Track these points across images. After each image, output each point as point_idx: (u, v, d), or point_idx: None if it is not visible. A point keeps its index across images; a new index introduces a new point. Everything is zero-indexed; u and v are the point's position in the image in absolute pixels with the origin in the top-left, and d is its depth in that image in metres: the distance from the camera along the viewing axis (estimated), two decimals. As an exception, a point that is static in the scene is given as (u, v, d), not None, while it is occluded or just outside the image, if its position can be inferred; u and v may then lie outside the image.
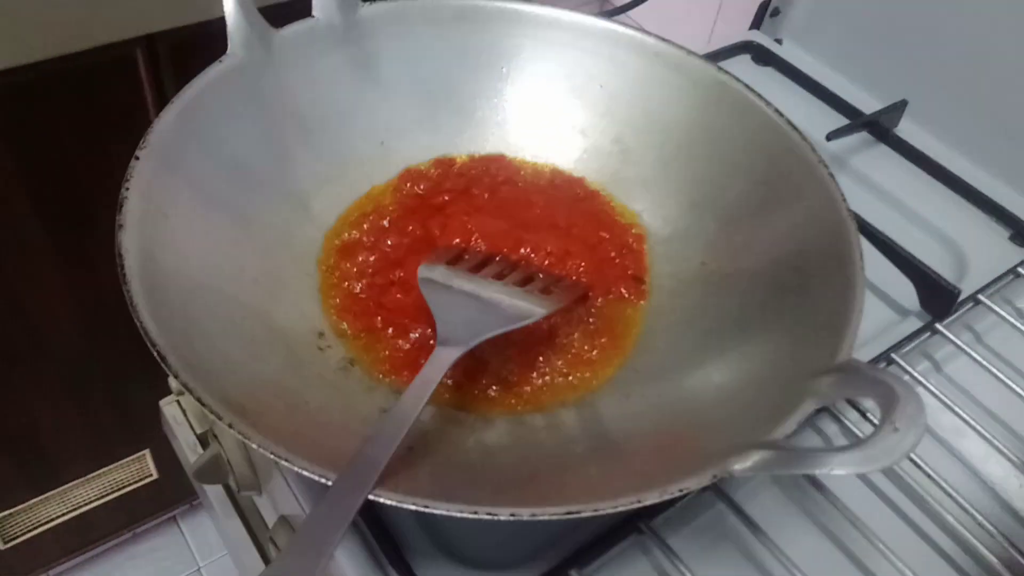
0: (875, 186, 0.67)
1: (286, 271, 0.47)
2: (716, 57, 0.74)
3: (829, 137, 0.66)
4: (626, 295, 0.50)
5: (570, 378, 0.45)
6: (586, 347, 0.47)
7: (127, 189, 0.41)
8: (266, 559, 0.58)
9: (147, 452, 1.12)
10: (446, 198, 0.53)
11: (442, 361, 0.38)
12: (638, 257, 0.52)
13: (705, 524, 0.46)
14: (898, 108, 0.70)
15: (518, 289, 0.45)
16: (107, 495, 1.14)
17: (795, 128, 0.50)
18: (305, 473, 0.32)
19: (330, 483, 0.32)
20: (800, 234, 0.46)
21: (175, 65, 0.85)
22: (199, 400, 0.34)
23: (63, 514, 1.12)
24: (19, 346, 0.89)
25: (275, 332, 0.43)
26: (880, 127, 0.69)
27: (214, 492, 0.62)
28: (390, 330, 0.46)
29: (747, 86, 0.53)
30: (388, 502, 0.32)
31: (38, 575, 1.23)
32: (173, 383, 0.63)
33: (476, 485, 0.36)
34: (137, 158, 0.42)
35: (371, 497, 0.32)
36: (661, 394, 0.43)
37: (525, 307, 0.43)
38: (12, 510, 1.06)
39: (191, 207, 0.44)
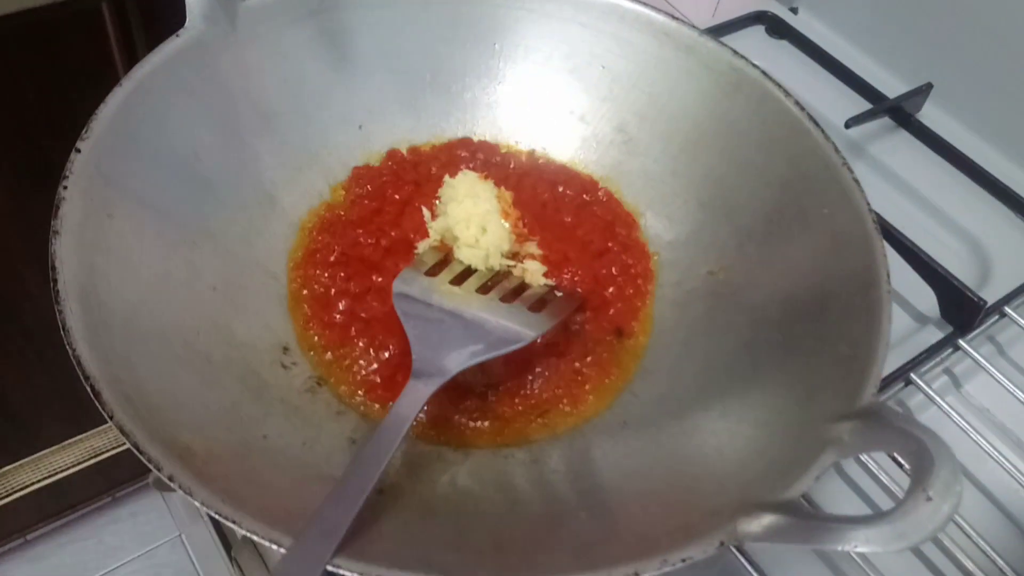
0: (895, 177, 0.62)
1: (250, 276, 0.42)
2: (727, 28, 0.69)
3: (848, 124, 0.60)
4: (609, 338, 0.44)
5: (563, 404, 0.41)
6: (581, 367, 0.42)
7: (64, 188, 0.36)
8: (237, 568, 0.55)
9: (124, 420, 1.09)
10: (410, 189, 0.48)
11: (417, 397, 0.34)
12: (638, 294, 0.46)
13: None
14: (922, 92, 0.64)
15: (505, 306, 0.41)
16: (84, 461, 1.12)
17: (818, 125, 0.45)
18: (255, 538, 0.28)
19: (283, 550, 0.28)
20: (819, 248, 0.42)
21: (144, 18, 0.79)
22: (135, 447, 0.29)
23: (39, 480, 1.09)
24: (-16, 314, 0.86)
25: (234, 349, 0.39)
26: (903, 112, 0.64)
27: (179, 497, 0.59)
28: (362, 343, 0.41)
29: (765, 73, 0.47)
30: (350, 574, 0.28)
31: (15, 540, 1.21)
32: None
33: (453, 544, 0.32)
34: (78, 151, 0.37)
35: (331, 569, 0.28)
36: (660, 432, 0.38)
37: (513, 329, 0.39)
38: (-18, 478, 1.04)
39: (141, 205, 0.39)
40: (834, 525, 0.29)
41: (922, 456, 0.29)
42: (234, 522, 0.28)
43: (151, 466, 0.29)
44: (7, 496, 1.09)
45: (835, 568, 0.43)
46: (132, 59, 0.82)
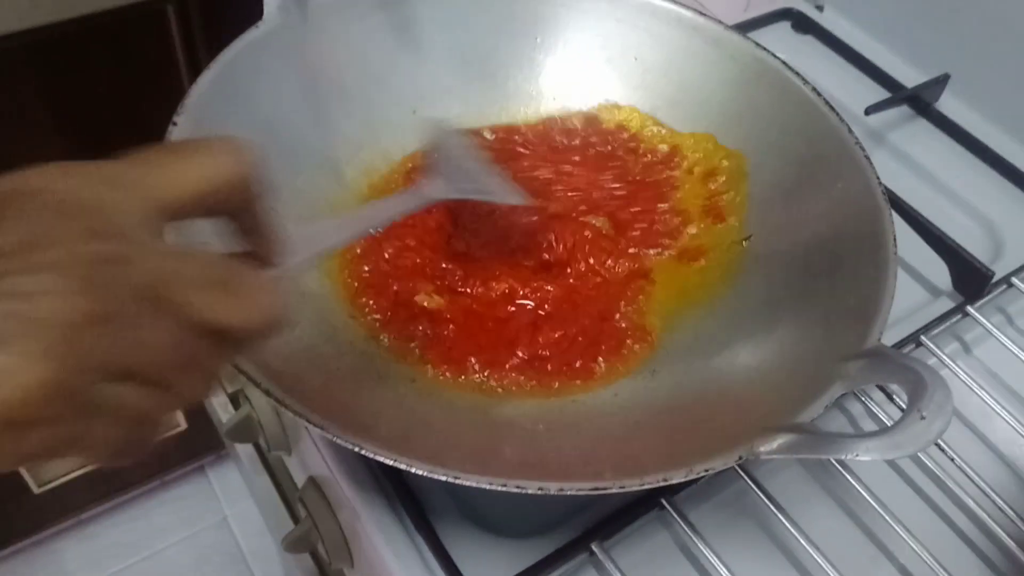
0: (913, 162, 0.66)
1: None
2: (755, 24, 0.73)
3: (868, 111, 0.64)
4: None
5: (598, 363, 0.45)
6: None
7: (166, 155, 0.41)
8: (295, 517, 0.60)
9: (176, 404, 1.14)
10: None
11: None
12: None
13: (726, 501, 0.46)
14: (940, 82, 0.68)
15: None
16: (138, 443, 1.17)
17: (833, 109, 0.49)
18: (340, 442, 0.33)
19: (363, 451, 0.33)
20: (834, 217, 0.46)
21: (205, 20, 0.85)
22: (237, 367, 0.34)
23: (94, 461, 1.15)
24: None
25: (307, 298, 0.44)
26: (921, 101, 0.68)
27: (245, 450, 0.64)
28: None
29: (785, 63, 0.52)
30: (419, 472, 0.33)
31: (70, 519, 1.26)
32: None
33: (504, 457, 0.37)
34: (175, 123, 0.43)
35: (403, 466, 0.33)
36: (688, 374, 0.43)
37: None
38: (45, 456, 1.09)
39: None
40: (840, 439, 0.33)
41: (918, 384, 0.34)
42: (322, 428, 0.33)
43: (252, 382, 0.34)
44: (64, 475, 1.14)
45: (850, 512, 0.47)
46: (194, 58, 0.88)
